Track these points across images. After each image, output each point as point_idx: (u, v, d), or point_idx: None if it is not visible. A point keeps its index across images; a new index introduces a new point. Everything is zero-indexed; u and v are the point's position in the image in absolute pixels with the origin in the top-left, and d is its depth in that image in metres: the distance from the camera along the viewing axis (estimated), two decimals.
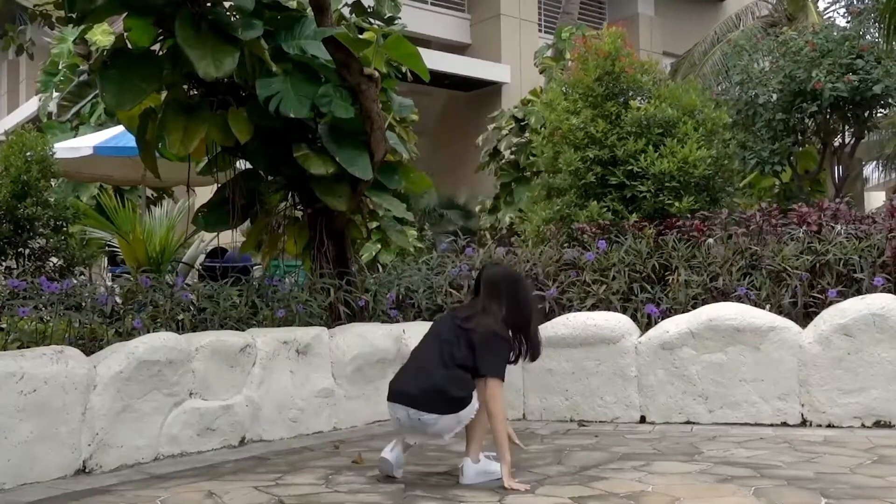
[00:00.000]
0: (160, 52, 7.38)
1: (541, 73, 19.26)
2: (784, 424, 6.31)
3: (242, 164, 8.30)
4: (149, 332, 6.09)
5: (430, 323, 5.80)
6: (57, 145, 10.73)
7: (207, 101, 7.40)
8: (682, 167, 8.82)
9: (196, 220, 8.11)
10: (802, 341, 6.31)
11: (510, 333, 4.88)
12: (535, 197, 10.18)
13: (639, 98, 9.86)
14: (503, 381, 4.73)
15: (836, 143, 12.61)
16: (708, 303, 6.93)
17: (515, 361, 5.01)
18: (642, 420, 6.73)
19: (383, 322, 7.66)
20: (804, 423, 6.28)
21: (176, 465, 5.51)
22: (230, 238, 9.31)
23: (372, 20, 10.13)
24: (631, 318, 7.06)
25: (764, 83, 11.73)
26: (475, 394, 4.69)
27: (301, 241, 8.38)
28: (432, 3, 24.40)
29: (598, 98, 9.56)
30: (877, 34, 11.56)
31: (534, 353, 5.03)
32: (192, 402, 5.86)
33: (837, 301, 6.50)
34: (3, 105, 32.79)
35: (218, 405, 6.00)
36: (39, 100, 19.43)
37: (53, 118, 17.34)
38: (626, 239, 7.99)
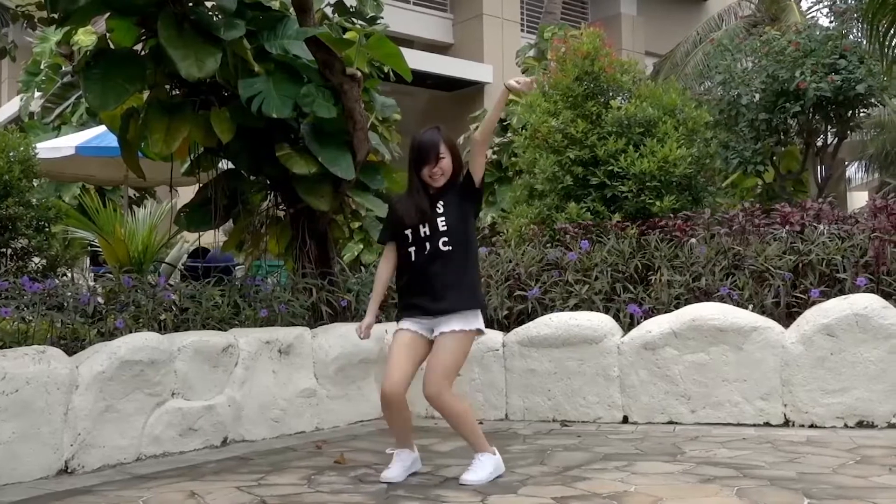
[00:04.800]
0: (143, 53, 7.36)
1: (523, 73, 19.25)
2: (767, 425, 6.32)
3: (225, 164, 8.28)
4: (131, 332, 6.06)
5: None
6: (39, 145, 10.69)
7: (190, 101, 7.37)
8: (663, 166, 8.82)
9: (178, 220, 8.09)
10: (785, 341, 6.33)
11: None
12: (518, 197, 10.17)
13: (619, 98, 9.85)
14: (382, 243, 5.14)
15: (819, 143, 12.66)
16: (691, 303, 6.93)
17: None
18: (625, 420, 6.73)
19: None
20: (787, 423, 6.30)
21: (158, 465, 5.50)
22: (213, 238, 9.29)
23: (354, 20, 10.11)
24: (613, 318, 7.06)
25: (746, 83, 11.76)
26: None
27: (283, 241, 8.36)
28: (415, 3, 24.39)
29: (579, 98, 9.55)
30: (860, 34, 11.60)
31: None
32: (175, 403, 5.85)
33: (820, 301, 6.51)
34: None
35: (200, 405, 5.99)
36: (21, 100, 19.35)
37: (36, 119, 17.24)
38: (608, 239, 7.99)
